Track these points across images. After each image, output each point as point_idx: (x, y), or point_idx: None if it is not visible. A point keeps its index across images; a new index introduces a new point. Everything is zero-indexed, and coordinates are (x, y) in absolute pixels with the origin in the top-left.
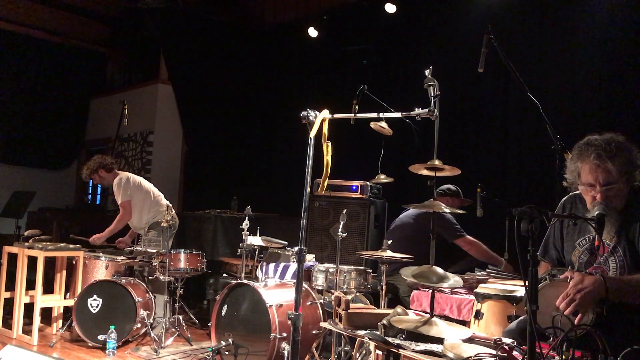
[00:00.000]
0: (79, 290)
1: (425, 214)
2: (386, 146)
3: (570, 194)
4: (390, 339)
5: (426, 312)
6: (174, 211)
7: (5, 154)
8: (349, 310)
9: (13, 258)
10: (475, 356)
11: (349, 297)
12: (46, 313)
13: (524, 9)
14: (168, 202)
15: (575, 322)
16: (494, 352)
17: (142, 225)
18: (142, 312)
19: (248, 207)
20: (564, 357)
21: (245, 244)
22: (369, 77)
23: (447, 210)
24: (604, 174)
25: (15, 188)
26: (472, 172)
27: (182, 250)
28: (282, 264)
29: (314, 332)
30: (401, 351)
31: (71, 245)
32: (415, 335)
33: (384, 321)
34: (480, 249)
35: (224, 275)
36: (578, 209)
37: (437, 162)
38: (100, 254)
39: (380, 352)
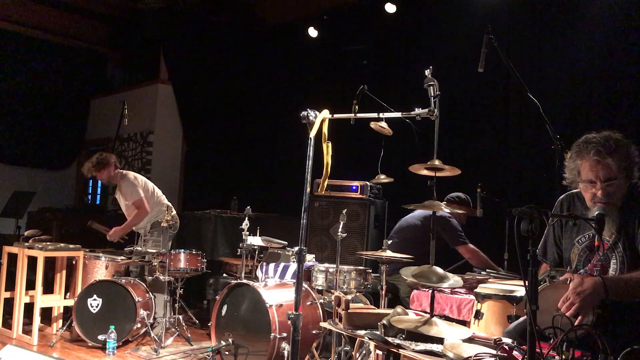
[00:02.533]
0: (79, 290)
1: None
2: (386, 146)
3: (567, 192)
4: (390, 339)
5: (426, 312)
6: (174, 211)
7: (5, 154)
8: (349, 310)
9: (13, 258)
10: (475, 356)
11: (349, 297)
12: (46, 313)
13: (524, 9)
14: (169, 203)
15: (576, 323)
16: (494, 352)
17: (144, 224)
18: (142, 312)
19: (248, 207)
20: (564, 357)
21: (245, 244)
22: (369, 77)
23: (447, 212)
24: (605, 170)
25: (15, 188)
26: (472, 172)
27: (182, 250)
28: (282, 264)
29: (314, 332)
30: (401, 351)
31: (71, 245)
32: (415, 335)
33: (384, 321)
34: (480, 258)
35: (224, 275)
36: (576, 208)
37: (437, 162)
38: (100, 254)
39: (380, 352)
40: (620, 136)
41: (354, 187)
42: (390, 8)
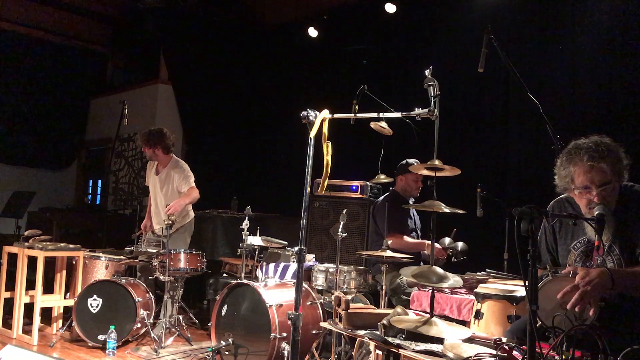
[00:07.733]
0: (79, 290)
1: (380, 205)
2: (386, 146)
3: (558, 198)
4: (390, 339)
5: (426, 312)
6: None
7: (5, 154)
8: (349, 310)
9: (13, 258)
10: (475, 356)
11: (349, 297)
12: (46, 313)
13: (524, 9)
14: None
15: (576, 309)
16: (494, 352)
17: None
18: (142, 312)
19: (248, 207)
20: (564, 357)
21: (245, 244)
22: (369, 77)
23: (447, 210)
24: (599, 175)
25: (15, 188)
26: (472, 172)
27: (182, 250)
28: (282, 264)
29: (314, 332)
30: (401, 351)
31: (71, 245)
32: (415, 335)
33: (384, 321)
34: (405, 244)
35: (224, 275)
36: (567, 212)
37: (437, 162)
38: (100, 254)
39: (380, 352)
40: (609, 140)
41: (354, 187)
42: (390, 8)
